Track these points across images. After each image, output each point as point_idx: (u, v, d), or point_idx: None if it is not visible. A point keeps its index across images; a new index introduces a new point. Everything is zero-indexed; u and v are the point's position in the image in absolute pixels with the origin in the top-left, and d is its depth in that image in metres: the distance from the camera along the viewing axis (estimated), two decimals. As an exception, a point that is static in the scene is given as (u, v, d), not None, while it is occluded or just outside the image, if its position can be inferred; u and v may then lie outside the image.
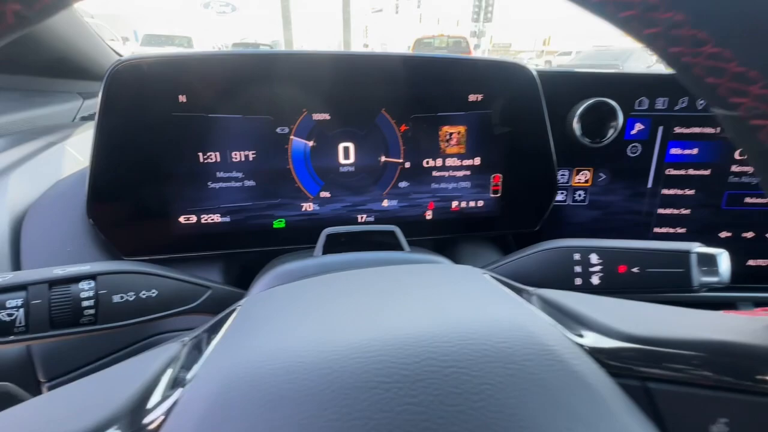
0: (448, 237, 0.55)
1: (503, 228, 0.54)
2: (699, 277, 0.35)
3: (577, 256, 0.38)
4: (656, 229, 0.58)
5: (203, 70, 0.42)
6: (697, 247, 0.36)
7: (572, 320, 0.23)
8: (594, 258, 0.37)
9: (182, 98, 0.42)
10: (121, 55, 0.86)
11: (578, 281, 0.37)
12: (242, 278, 0.53)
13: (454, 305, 0.22)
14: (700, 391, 0.19)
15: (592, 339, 0.21)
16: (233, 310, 0.25)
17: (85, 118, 0.79)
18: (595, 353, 0.20)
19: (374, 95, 0.46)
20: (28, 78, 0.72)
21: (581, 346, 0.20)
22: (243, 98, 0.43)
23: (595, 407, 0.16)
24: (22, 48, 0.66)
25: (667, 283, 0.35)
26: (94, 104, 0.82)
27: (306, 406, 0.15)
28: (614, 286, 0.37)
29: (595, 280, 0.37)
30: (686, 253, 0.35)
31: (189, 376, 0.19)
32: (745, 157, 0.17)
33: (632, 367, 0.20)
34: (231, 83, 0.43)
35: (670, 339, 0.20)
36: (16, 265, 0.41)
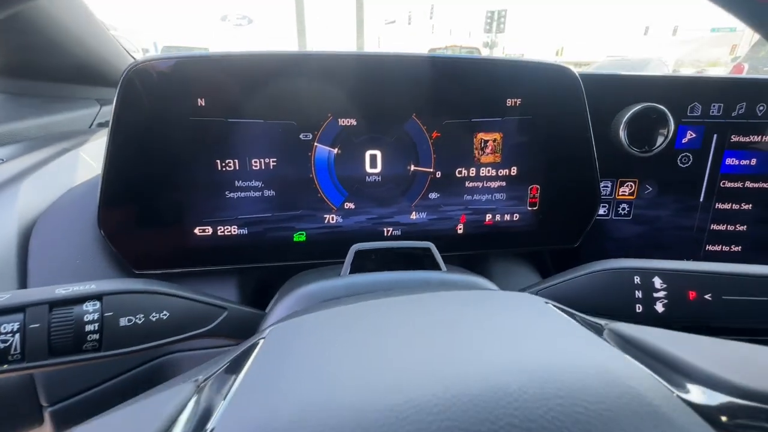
0: (480, 253, 0.51)
1: (540, 244, 0.49)
2: None
3: (637, 279, 0.33)
4: (709, 247, 0.52)
5: (223, 72, 0.39)
6: None
7: (664, 365, 0.19)
8: (658, 282, 0.33)
9: (201, 102, 0.39)
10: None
11: (639, 308, 0.33)
12: (259, 295, 0.49)
13: (524, 347, 0.18)
14: None
15: (698, 394, 0.17)
16: (254, 344, 0.21)
17: (101, 125, 0.78)
18: (709, 413, 0.16)
19: (405, 99, 0.43)
20: (48, 84, 0.71)
21: (691, 404, 0.16)
22: (265, 102, 0.40)
23: None
24: (43, 54, 0.65)
25: (748, 314, 0.31)
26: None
27: None
28: (683, 316, 0.32)
29: (659, 307, 0.32)
30: None
31: (207, 429, 0.15)
32: None
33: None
34: (253, 85, 0.40)
35: None
36: (23, 278, 0.39)
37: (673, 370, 0.18)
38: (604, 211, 0.52)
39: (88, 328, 0.26)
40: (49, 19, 0.61)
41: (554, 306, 0.23)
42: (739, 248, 0.52)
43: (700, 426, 0.15)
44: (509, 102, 0.44)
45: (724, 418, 0.16)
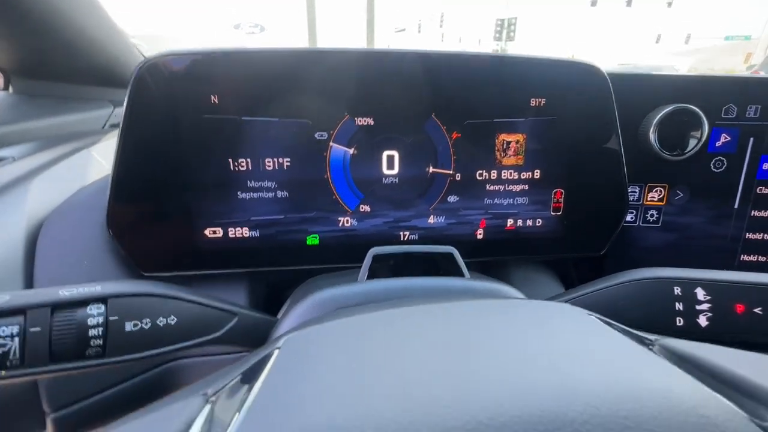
0: (500, 259, 0.48)
1: (564, 251, 0.47)
2: None
3: (678, 290, 0.31)
4: (744, 257, 0.49)
5: (238, 68, 0.38)
6: None
7: (733, 389, 0.16)
8: (701, 293, 0.30)
9: (215, 99, 0.38)
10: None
11: (680, 322, 0.30)
12: (269, 300, 0.47)
13: (576, 366, 0.16)
14: None
15: None
16: (268, 355, 0.19)
17: (114, 126, 0.77)
18: None
19: (424, 98, 0.41)
20: (62, 85, 0.71)
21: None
22: (280, 99, 0.39)
23: None
24: (58, 55, 0.65)
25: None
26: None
27: None
28: (730, 330, 0.29)
29: (702, 321, 0.30)
30: None
31: None
32: None
33: None
34: (267, 82, 0.39)
35: None
36: (29, 277, 0.37)
37: (743, 394, 0.16)
38: (632, 218, 0.50)
39: (92, 332, 0.24)
40: (64, 20, 0.61)
41: (598, 318, 0.21)
42: (776, 259, 0.49)
43: None
44: (533, 102, 0.42)
45: None
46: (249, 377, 0.18)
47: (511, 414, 0.12)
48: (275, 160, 0.40)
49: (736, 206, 0.48)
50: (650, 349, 0.19)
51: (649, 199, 0.49)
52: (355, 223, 0.43)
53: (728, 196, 0.48)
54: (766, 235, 0.49)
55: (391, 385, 0.15)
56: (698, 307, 0.30)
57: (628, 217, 0.50)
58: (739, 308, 0.29)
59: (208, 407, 0.17)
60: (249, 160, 0.40)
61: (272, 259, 0.43)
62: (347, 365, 0.16)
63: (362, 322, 0.20)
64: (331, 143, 0.41)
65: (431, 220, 0.44)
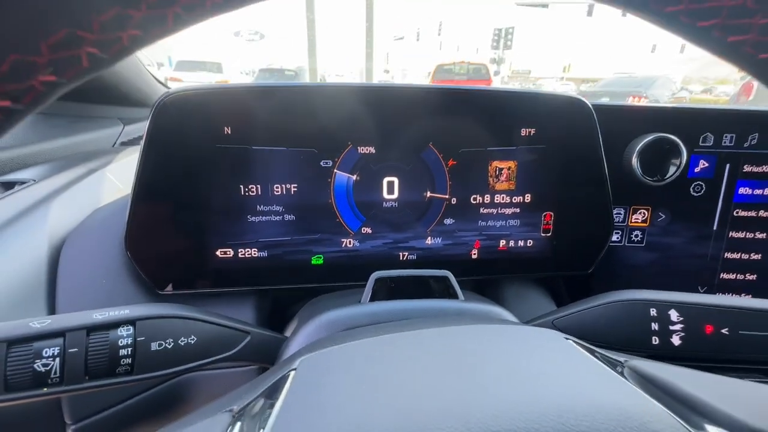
0: (494, 278, 0.51)
1: (554, 269, 0.50)
2: None
3: (653, 312, 0.33)
4: (723, 275, 0.52)
5: (249, 102, 0.41)
6: None
7: (684, 405, 0.19)
8: (674, 315, 0.33)
9: (227, 130, 0.41)
10: (162, 83, 0.89)
11: (656, 341, 0.33)
12: (275, 316, 0.50)
13: (545, 386, 0.18)
14: None
15: None
16: (286, 376, 0.22)
17: (125, 143, 0.80)
18: None
19: (422, 128, 0.44)
20: (74, 104, 0.74)
21: None
22: (287, 130, 0.42)
23: None
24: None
25: (766, 349, 0.31)
26: (135, 130, 0.84)
27: None
28: (700, 350, 0.32)
29: (675, 340, 0.33)
30: None
31: None
32: None
33: None
34: (276, 115, 0.42)
35: None
36: (51, 297, 0.40)
37: (692, 410, 0.19)
38: (617, 238, 0.53)
39: (122, 352, 0.27)
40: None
41: (574, 342, 0.24)
42: (753, 276, 0.52)
43: None
44: (523, 132, 0.46)
45: None
46: (270, 395, 0.21)
47: (480, 426, 0.15)
48: (283, 185, 0.43)
49: (714, 228, 0.52)
50: (619, 371, 0.22)
51: (633, 220, 0.52)
52: (357, 244, 0.46)
53: (707, 218, 0.52)
54: (743, 254, 0.52)
55: (394, 405, 0.17)
56: (672, 328, 0.33)
57: (614, 238, 0.53)
58: (709, 329, 0.32)
59: (236, 424, 0.19)
60: (259, 186, 0.43)
61: (279, 278, 0.45)
62: (357, 386, 0.19)
63: (369, 346, 0.23)
64: (335, 170, 0.44)
65: (429, 241, 0.47)
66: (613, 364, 0.23)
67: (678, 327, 0.33)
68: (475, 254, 0.48)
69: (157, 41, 0.13)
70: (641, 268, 0.53)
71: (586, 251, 0.50)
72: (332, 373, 0.21)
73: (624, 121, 0.50)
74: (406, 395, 0.18)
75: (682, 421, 0.17)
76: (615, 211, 0.52)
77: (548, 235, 0.49)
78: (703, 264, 0.53)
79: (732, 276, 0.52)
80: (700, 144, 0.50)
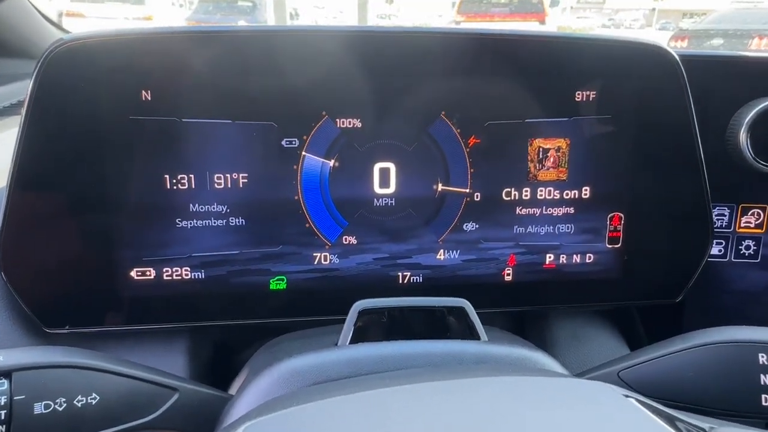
0: (538, 309, 0.52)
1: (625, 298, 0.51)
2: None
3: (764, 358, 0.35)
4: None
5: (179, 54, 0.42)
6: None
7: None
8: (793, 362, 0.34)
9: (146, 95, 0.42)
10: (53, 22, 0.90)
11: (767, 401, 0.34)
12: (217, 365, 0.51)
13: None
14: None
15: None
16: None
17: (8, 109, 0.81)
18: None
19: (430, 92, 0.45)
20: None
21: None
22: (234, 95, 0.43)
23: None
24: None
25: None
26: (10, 93, 0.85)
27: None
28: None
29: (796, 400, 0.34)
30: None
31: None
32: None
33: None
34: (216, 73, 0.43)
35: None
36: None
37: None
38: (720, 251, 0.54)
39: None
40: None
41: (637, 401, 0.25)
42: None
43: None
44: (579, 96, 0.47)
45: None
46: None
47: None
48: (227, 176, 0.44)
49: None
50: None
51: (743, 224, 0.53)
52: (336, 260, 0.47)
53: None
54: None
55: None
56: None
57: (715, 250, 0.54)
58: None
59: None
60: (192, 176, 0.44)
61: (223, 311, 0.46)
62: None
63: (344, 406, 0.24)
64: (303, 153, 0.45)
65: (441, 256, 0.48)
66: None
67: None
68: (509, 275, 0.49)
69: None
70: (755, 295, 0.54)
71: (673, 270, 0.51)
72: None
73: (728, 80, 0.51)
74: None
75: None
76: (716, 212, 0.53)
77: (617, 246, 0.50)
78: None
79: None
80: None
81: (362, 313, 0.38)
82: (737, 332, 0.36)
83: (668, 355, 0.37)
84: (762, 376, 0.34)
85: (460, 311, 0.38)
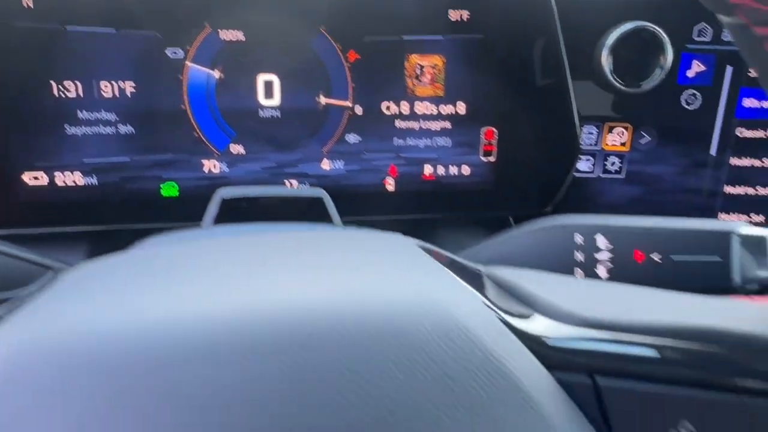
0: (420, 218, 0.57)
1: (498, 208, 0.56)
2: (744, 270, 0.38)
3: (578, 239, 0.40)
4: (723, 216, 0.60)
5: None
6: (743, 228, 0.38)
7: (519, 302, 0.26)
8: (601, 241, 0.40)
9: (28, 1, 0.44)
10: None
11: (579, 272, 0.40)
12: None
13: (335, 274, 0.24)
14: (659, 389, 0.21)
15: (534, 323, 0.24)
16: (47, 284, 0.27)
17: None
18: (531, 339, 0.22)
19: (309, 7, 0.48)
20: None
21: (512, 327, 0.22)
22: (116, 3, 0.45)
23: (521, 411, 0.19)
24: None
25: (699, 277, 0.38)
26: None
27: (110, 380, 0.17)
28: (629, 280, 0.39)
29: (601, 270, 0.40)
30: (726, 235, 0.38)
31: None
32: None
33: (577, 359, 0.22)
34: None
35: (631, 323, 0.22)
36: None
37: (523, 304, 0.25)
38: (588, 167, 0.59)
39: None
40: None
41: (420, 246, 0.30)
42: (761, 218, 0.60)
43: (513, 350, 0.21)
44: (453, 14, 0.50)
45: (551, 346, 0.22)
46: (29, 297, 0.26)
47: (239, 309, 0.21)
48: (115, 83, 0.47)
49: (712, 152, 0.59)
50: (469, 277, 0.28)
51: (609, 142, 0.59)
52: (225, 168, 0.50)
53: (703, 139, 0.58)
54: (748, 189, 0.60)
55: (151, 300, 0.22)
56: (598, 256, 0.40)
57: (583, 166, 0.59)
58: (639, 256, 0.39)
59: None
60: (78, 83, 0.46)
61: (117, 215, 0.49)
62: (117, 287, 0.24)
63: (159, 253, 0.28)
64: (188, 63, 0.47)
65: (326, 165, 0.52)
66: (464, 271, 0.29)
67: (605, 255, 0.40)
68: (390, 185, 0.53)
69: None
70: (619, 207, 0.60)
71: (543, 183, 0.56)
72: (100, 273, 0.26)
73: (593, 6, 0.55)
74: (166, 294, 0.23)
75: (493, 307, 0.23)
76: (585, 130, 0.58)
77: (490, 159, 0.54)
78: (698, 201, 0.60)
79: (734, 217, 0.60)
80: (694, 38, 0.56)
81: (226, 202, 0.41)
82: (562, 219, 0.41)
83: (502, 239, 0.42)
84: (576, 253, 0.40)
85: (320, 202, 0.42)
